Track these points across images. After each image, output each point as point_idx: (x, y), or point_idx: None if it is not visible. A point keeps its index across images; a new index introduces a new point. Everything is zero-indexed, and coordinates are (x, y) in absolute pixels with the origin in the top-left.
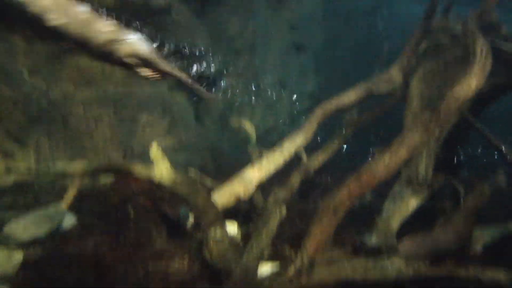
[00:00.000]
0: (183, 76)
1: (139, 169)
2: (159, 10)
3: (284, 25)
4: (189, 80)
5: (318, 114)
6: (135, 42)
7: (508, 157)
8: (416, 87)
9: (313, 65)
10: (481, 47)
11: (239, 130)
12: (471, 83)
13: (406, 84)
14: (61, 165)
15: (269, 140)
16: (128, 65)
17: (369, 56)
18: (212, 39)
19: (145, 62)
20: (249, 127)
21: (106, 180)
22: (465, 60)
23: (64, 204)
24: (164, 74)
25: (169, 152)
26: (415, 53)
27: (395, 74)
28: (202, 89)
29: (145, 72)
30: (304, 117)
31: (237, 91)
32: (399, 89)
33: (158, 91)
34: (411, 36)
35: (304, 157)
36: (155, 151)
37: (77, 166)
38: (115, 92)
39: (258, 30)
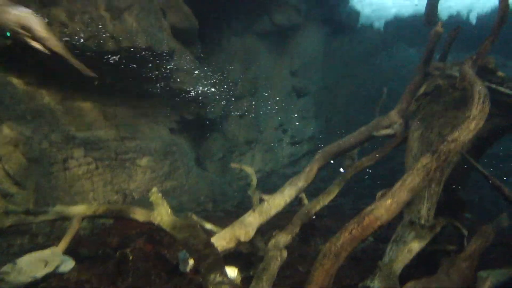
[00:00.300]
0: (68, 55)
1: (138, 213)
2: (162, 55)
3: (285, 70)
4: (72, 59)
5: (318, 159)
6: (25, 16)
7: (510, 197)
8: (416, 130)
9: (313, 109)
10: (479, 91)
11: (240, 173)
12: (470, 126)
13: (406, 127)
14: (60, 208)
15: (270, 183)
16: (20, 36)
17: (368, 99)
18: (214, 84)
19: (35, 36)
20: (249, 171)
21: (105, 222)
22: (463, 103)
23: (61, 247)
24: (51, 50)
25: (169, 195)
26: (414, 96)
27: (395, 117)
28: (83, 67)
29: (35, 45)
30: (304, 161)
31: (238, 135)
32: (399, 132)
33: (159, 134)
34: (410, 80)
35: (305, 200)
36: (155, 194)
37: (76, 209)
38: (116, 135)
39: (260, 75)
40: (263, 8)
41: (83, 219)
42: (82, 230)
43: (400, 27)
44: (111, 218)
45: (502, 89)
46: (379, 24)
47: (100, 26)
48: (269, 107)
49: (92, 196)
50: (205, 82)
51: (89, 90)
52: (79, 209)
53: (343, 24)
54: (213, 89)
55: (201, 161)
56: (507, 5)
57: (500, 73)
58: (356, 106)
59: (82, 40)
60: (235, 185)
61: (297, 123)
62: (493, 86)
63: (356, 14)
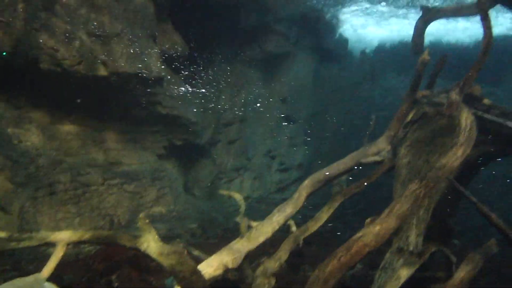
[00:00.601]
0: None
1: (125, 239)
2: (151, 81)
3: (274, 97)
4: None
5: (307, 185)
6: None
7: (498, 225)
8: (404, 157)
9: (302, 136)
10: (466, 118)
11: (228, 200)
12: (458, 152)
13: (394, 154)
14: (44, 233)
15: (258, 210)
16: None
17: (357, 126)
18: (204, 110)
19: None
20: (238, 198)
21: (91, 248)
22: (450, 130)
23: (45, 273)
24: None
25: (157, 221)
26: (402, 123)
27: (383, 144)
28: None
29: None
30: (293, 187)
31: (227, 161)
32: (387, 159)
33: (147, 160)
34: (398, 108)
35: (294, 227)
36: (142, 220)
37: (61, 235)
38: (104, 160)
39: (249, 102)
40: (253, 35)
41: (68, 245)
42: (67, 255)
43: (388, 55)
44: (97, 244)
45: (488, 116)
46: (368, 52)
47: (91, 52)
48: (258, 133)
49: (78, 221)
50: (194, 108)
51: (78, 114)
52: (64, 235)
53: (332, 51)
54: (202, 115)
55: (189, 187)
56: (491, 34)
57: (486, 101)
58: (345, 133)
59: (72, 65)
60: (224, 212)
61: (286, 150)
62: (480, 113)
63: (345, 42)
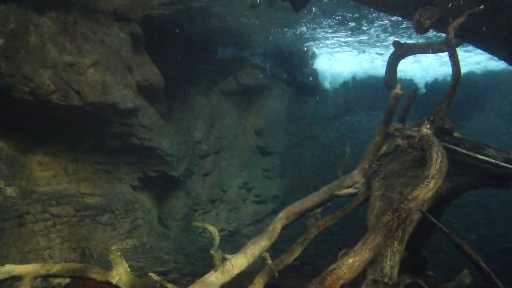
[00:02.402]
0: None
1: (95, 272)
2: (126, 112)
3: (250, 129)
4: None
5: (282, 217)
6: None
7: (469, 255)
8: (378, 189)
9: (278, 168)
10: (437, 151)
11: (203, 232)
12: (430, 185)
13: (368, 186)
14: (9, 267)
15: (234, 242)
16: None
17: (331, 158)
18: (179, 142)
19: None
20: (212, 230)
21: (61, 281)
22: (422, 162)
23: None
24: None
25: (129, 254)
26: (376, 156)
27: (357, 177)
28: None
29: None
30: (268, 219)
31: (202, 193)
32: (361, 191)
33: (121, 191)
34: (372, 141)
35: (269, 260)
36: (114, 253)
37: (28, 268)
38: (76, 191)
39: (224, 134)
40: (229, 68)
41: (35, 278)
42: None
43: (362, 90)
44: (66, 277)
45: (458, 149)
46: (342, 87)
47: (65, 81)
48: (233, 165)
49: (48, 253)
50: (169, 140)
51: (50, 144)
52: (31, 268)
53: (307, 85)
54: (177, 147)
55: (163, 219)
56: (459, 70)
57: (456, 134)
58: (319, 166)
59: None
60: (198, 244)
61: (262, 182)
62: (450, 146)
63: (320, 75)
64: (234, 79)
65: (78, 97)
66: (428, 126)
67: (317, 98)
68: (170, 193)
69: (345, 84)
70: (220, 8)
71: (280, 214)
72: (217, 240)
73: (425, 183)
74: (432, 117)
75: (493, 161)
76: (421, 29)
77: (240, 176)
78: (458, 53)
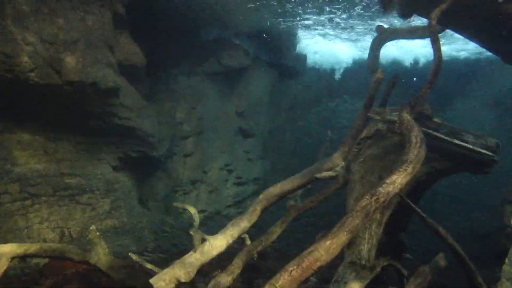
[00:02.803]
0: None
1: (74, 252)
2: (107, 91)
3: (231, 111)
4: None
5: (262, 200)
6: None
7: (446, 239)
8: (357, 172)
9: (260, 150)
10: (416, 136)
11: (183, 213)
12: (408, 169)
13: (348, 170)
14: None
15: (214, 224)
16: None
17: (312, 142)
18: (160, 123)
19: None
20: (192, 211)
21: (38, 262)
22: (402, 147)
23: None
24: None
25: (109, 235)
26: (356, 140)
27: (337, 160)
28: None
29: None
30: (249, 201)
31: (183, 174)
32: (341, 174)
33: (101, 171)
34: (352, 124)
35: (248, 241)
36: (93, 233)
37: (4, 248)
38: (56, 171)
39: (206, 115)
40: (212, 49)
41: (12, 258)
42: (11, 270)
43: (347, 76)
44: (44, 257)
45: (437, 134)
46: (327, 70)
47: (44, 59)
48: (215, 147)
49: (27, 233)
50: (150, 121)
51: (30, 123)
52: (7, 248)
53: (290, 68)
54: (158, 128)
55: (144, 200)
56: (440, 56)
57: (436, 120)
58: (302, 148)
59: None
60: (178, 225)
61: (243, 164)
62: (430, 131)
63: (303, 58)
64: (217, 61)
65: (57, 75)
66: (408, 111)
67: (300, 81)
68: (151, 174)
69: (330, 68)
70: None
71: (260, 196)
72: (196, 221)
73: (404, 167)
74: (412, 102)
75: (470, 146)
76: (387, 9)
77: (222, 158)
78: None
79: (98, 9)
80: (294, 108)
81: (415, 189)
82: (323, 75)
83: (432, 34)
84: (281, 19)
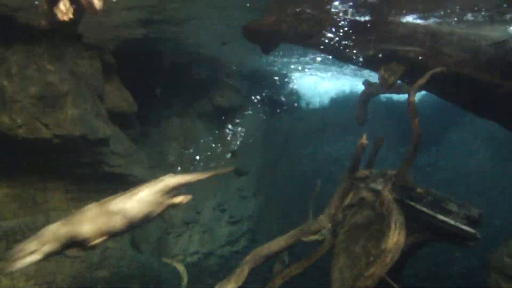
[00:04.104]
0: None
1: None
2: (97, 141)
3: (224, 150)
4: None
5: (249, 260)
6: None
7: None
8: (342, 242)
9: (253, 187)
10: (395, 221)
11: (176, 256)
12: (386, 260)
13: (334, 234)
14: None
15: (207, 265)
16: None
17: (306, 177)
18: (152, 166)
19: None
20: (180, 269)
21: None
22: (384, 221)
23: None
24: None
25: (99, 284)
26: (342, 201)
27: (324, 222)
28: None
29: None
30: (243, 240)
31: (176, 216)
32: (327, 239)
33: None
34: (338, 187)
35: None
36: None
37: None
38: (45, 221)
39: (199, 156)
40: (204, 89)
41: None
42: None
43: (337, 112)
44: None
45: (419, 207)
46: (319, 105)
47: (33, 115)
48: (207, 187)
49: None
50: (141, 166)
51: (19, 175)
52: None
53: (283, 103)
54: (149, 172)
55: (136, 242)
56: (419, 133)
57: (419, 190)
58: (295, 184)
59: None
60: (170, 269)
61: (236, 202)
62: (412, 203)
63: (296, 94)
64: (209, 100)
65: (46, 130)
66: (390, 189)
67: (294, 117)
68: None
69: (322, 103)
70: (193, 38)
71: (248, 257)
72: (185, 280)
73: (382, 259)
74: (394, 179)
75: (453, 222)
76: (386, 85)
77: (215, 197)
78: None
79: (87, 60)
80: (288, 141)
81: (397, 261)
82: (315, 109)
83: (411, 110)
84: (274, 60)
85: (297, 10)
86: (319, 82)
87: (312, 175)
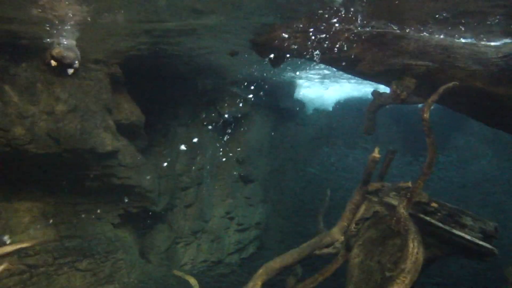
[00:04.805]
0: None
1: None
2: (106, 155)
3: (231, 158)
4: None
5: (262, 274)
6: None
7: None
8: (356, 256)
9: (260, 194)
10: (413, 239)
11: (185, 265)
12: (406, 281)
13: (347, 247)
14: None
15: (216, 274)
16: None
17: (313, 181)
18: (160, 177)
19: None
20: (192, 282)
21: None
22: (400, 237)
23: None
24: None
25: None
26: (354, 214)
27: (336, 235)
28: None
29: None
30: (251, 247)
31: (184, 225)
32: (341, 253)
33: (101, 230)
34: (350, 199)
35: None
36: None
37: None
38: (55, 235)
39: (206, 165)
40: (210, 98)
41: None
42: None
43: (344, 118)
44: None
45: (435, 222)
46: (326, 111)
47: (43, 130)
48: (215, 195)
49: None
50: (149, 177)
51: (29, 190)
52: None
53: (290, 110)
54: (158, 182)
55: (145, 253)
56: (435, 150)
57: (434, 204)
58: (302, 188)
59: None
60: (180, 278)
61: (244, 210)
62: (428, 219)
63: (303, 101)
64: (215, 109)
65: (56, 144)
66: (405, 205)
67: (300, 122)
68: (151, 226)
69: (325, 107)
70: (200, 50)
71: (260, 270)
72: None
73: (401, 278)
74: (409, 195)
75: (469, 238)
76: (397, 100)
77: (222, 206)
78: None
79: (95, 74)
80: (294, 147)
81: None
82: (321, 116)
83: (425, 128)
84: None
85: (306, 26)
86: (326, 88)
87: (318, 182)
